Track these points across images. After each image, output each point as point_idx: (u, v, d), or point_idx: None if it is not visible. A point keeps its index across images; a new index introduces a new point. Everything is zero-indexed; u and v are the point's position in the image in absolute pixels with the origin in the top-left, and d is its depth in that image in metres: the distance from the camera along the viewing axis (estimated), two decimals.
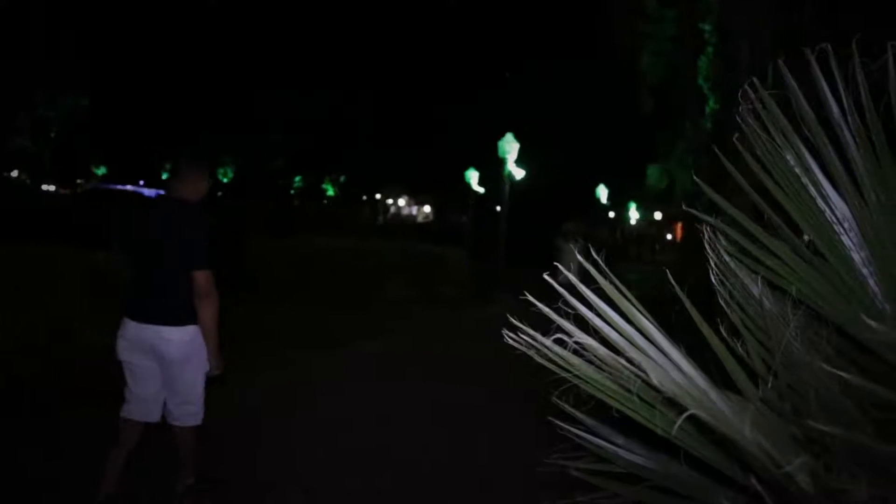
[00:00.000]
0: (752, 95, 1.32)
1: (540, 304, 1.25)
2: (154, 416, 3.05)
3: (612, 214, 31.61)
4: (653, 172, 17.29)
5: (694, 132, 12.32)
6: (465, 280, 12.75)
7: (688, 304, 1.27)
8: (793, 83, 1.31)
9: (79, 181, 35.29)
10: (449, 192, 33.68)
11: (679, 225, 43.71)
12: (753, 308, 1.33)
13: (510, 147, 15.19)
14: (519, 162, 15.51)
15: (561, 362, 1.26)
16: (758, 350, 1.29)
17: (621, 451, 1.34)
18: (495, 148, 15.21)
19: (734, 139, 1.34)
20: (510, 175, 15.26)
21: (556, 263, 1.51)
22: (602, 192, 28.88)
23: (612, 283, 1.28)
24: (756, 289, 1.32)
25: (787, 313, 1.23)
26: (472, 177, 20.39)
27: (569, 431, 1.35)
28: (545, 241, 10.56)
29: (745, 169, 1.37)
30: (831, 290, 1.30)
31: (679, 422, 1.10)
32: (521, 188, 16.25)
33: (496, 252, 14.89)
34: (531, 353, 1.26)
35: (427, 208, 44.39)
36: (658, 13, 14.48)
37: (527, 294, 1.26)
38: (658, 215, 40.94)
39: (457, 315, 10.22)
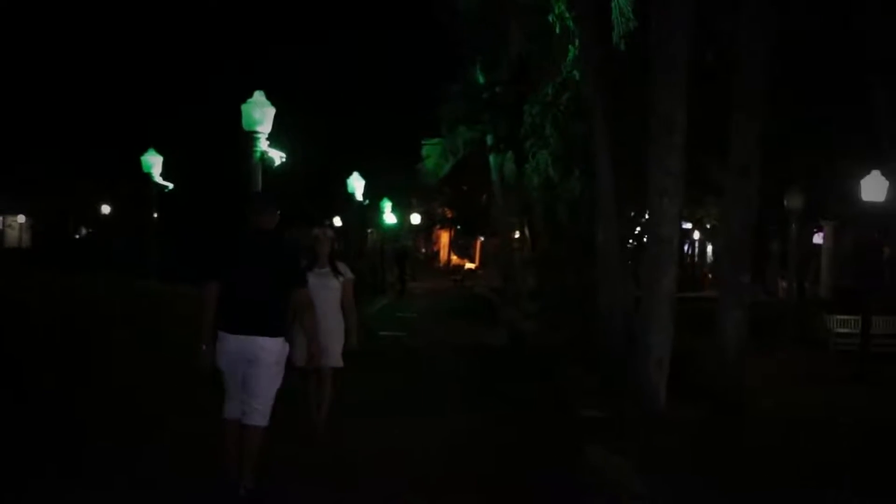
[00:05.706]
0: None
1: None
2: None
3: (334, 221, 24.23)
4: (431, 152, 12.73)
5: (569, 86, 9.18)
6: None
7: None
8: None
9: None
10: (68, 193, 23.67)
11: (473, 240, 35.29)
12: None
13: (262, 114, 9.94)
14: (273, 140, 10.37)
15: None
16: None
17: None
18: (187, 116, 9.85)
19: None
20: (267, 158, 10.00)
21: None
22: (357, 185, 18.86)
23: None
24: None
25: None
26: (154, 164, 13.72)
27: None
28: None
29: None
30: None
31: None
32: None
33: None
34: None
35: (21, 218, 31.88)
36: None
37: None
38: (416, 219, 33.49)
39: None
